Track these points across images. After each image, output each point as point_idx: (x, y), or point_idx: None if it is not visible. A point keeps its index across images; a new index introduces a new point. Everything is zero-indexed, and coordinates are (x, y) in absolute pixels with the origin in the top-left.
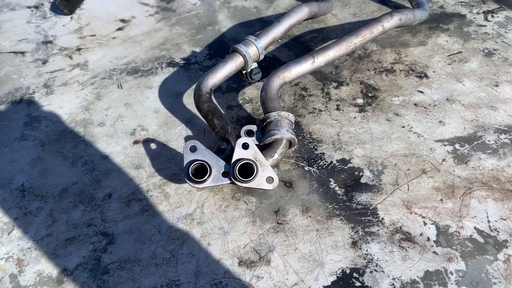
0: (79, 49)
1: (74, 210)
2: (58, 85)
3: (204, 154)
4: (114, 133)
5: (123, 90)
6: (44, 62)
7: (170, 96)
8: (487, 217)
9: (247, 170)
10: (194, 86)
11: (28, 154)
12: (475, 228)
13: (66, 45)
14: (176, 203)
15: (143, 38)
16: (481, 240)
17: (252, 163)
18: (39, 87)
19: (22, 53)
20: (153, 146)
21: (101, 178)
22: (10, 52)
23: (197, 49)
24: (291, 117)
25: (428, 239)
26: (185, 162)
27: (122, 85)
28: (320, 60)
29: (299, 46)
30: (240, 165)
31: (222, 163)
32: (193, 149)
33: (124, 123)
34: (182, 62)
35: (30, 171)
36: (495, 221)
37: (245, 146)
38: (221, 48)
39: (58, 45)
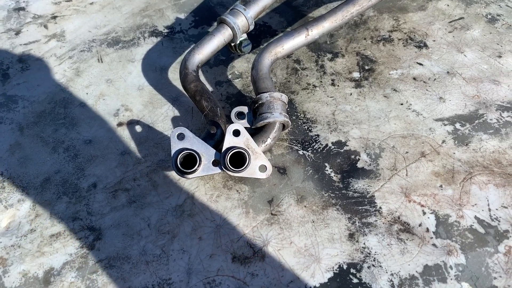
0: (54, 17)
1: (58, 203)
2: (34, 60)
3: (193, 142)
4: (97, 115)
5: (104, 64)
6: (17, 32)
7: (154, 70)
8: (488, 205)
9: (239, 158)
10: (179, 60)
11: (6, 140)
12: (475, 217)
13: (40, 12)
14: (165, 192)
15: (123, 3)
16: (482, 230)
17: (244, 151)
18: (13, 62)
19: None
20: (138, 128)
21: (84, 165)
22: None
23: (182, 16)
24: (284, 97)
25: (427, 230)
26: (173, 151)
27: (103, 58)
28: (314, 32)
29: (291, 11)
30: (232, 154)
31: (212, 151)
32: (181, 137)
33: (106, 102)
34: (166, 31)
35: (9, 158)
36: (496, 209)
37: (236, 133)
38: (208, 14)
39: (32, 12)
